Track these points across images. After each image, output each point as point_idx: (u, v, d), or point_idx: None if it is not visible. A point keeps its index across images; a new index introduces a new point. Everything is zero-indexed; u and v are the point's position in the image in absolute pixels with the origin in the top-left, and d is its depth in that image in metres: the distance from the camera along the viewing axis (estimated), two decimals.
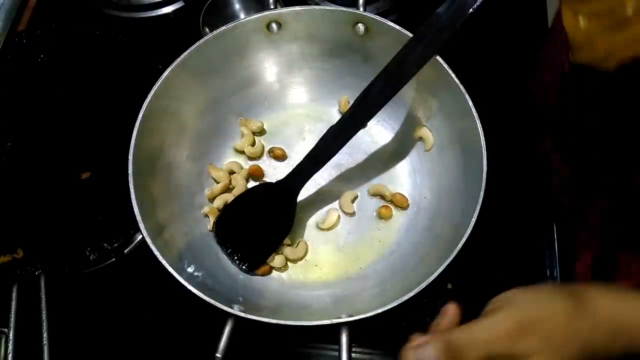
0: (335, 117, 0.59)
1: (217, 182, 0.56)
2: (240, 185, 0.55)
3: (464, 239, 0.43)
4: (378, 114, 0.48)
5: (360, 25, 0.53)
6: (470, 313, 0.53)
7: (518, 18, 0.69)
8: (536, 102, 0.60)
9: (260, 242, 0.52)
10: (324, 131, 0.50)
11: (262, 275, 0.52)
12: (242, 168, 0.57)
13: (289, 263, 0.53)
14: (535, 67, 0.61)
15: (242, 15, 0.68)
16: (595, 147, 0.51)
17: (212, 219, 0.53)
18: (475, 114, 0.48)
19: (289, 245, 0.54)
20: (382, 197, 0.56)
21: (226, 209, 0.53)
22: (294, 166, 0.51)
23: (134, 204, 0.46)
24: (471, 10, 0.43)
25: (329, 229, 0.55)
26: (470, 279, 0.54)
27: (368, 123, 0.56)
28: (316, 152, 0.50)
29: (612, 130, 0.48)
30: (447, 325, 0.34)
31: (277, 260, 0.52)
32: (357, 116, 0.49)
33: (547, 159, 0.59)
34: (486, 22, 0.68)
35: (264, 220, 0.53)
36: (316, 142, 0.50)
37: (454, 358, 0.31)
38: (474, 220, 0.44)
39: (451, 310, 0.35)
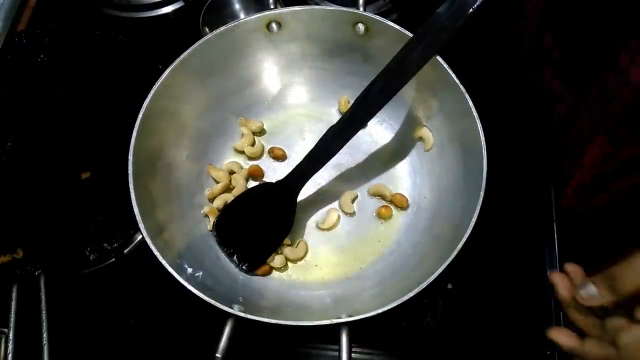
0: (335, 117, 0.59)
1: (217, 182, 0.56)
2: (240, 185, 0.55)
3: (464, 239, 0.43)
4: (378, 114, 0.48)
5: (360, 25, 0.53)
6: (470, 313, 0.53)
7: (518, 18, 0.69)
8: (527, 40, 0.60)
9: (260, 242, 0.52)
10: (324, 131, 0.50)
11: (262, 275, 0.52)
12: (242, 168, 0.57)
13: (289, 263, 0.53)
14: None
15: (241, 15, 0.68)
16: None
17: (212, 219, 0.53)
18: (476, 114, 0.48)
19: (289, 245, 0.54)
20: (382, 197, 0.56)
21: (226, 209, 0.53)
22: (294, 166, 0.51)
23: (133, 204, 0.46)
24: (471, 10, 0.43)
25: (329, 229, 0.55)
26: (470, 279, 0.54)
27: (368, 123, 0.57)
28: (316, 152, 0.50)
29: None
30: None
31: (277, 260, 0.52)
32: (357, 116, 0.49)
33: (550, 90, 0.58)
34: (486, 22, 0.68)
35: (263, 221, 0.53)
36: (316, 142, 0.50)
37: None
38: (474, 220, 0.44)
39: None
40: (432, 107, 0.54)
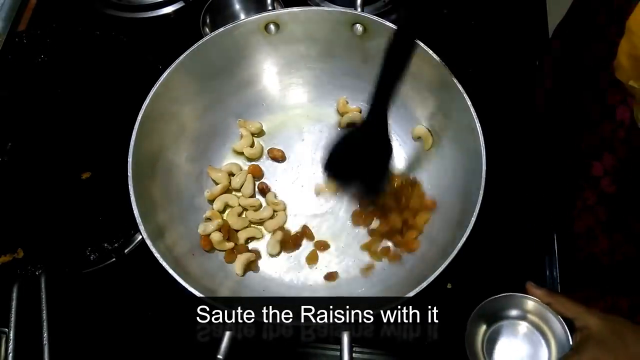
0: (333, 117, 0.59)
1: (217, 184, 0.56)
2: (248, 188, 0.55)
3: (463, 239, 0.44)
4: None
5: (358, 25, 0.53)
6: (470, 313, 0.53)
7: (518, 19, 0.69)
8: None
9: (372, 172, 0.50)
10: (323, 132, 0.49)
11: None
12: (241, 169, 0.57)
13: (288, 264, 0.53)
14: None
15: (242, 16, 0.68)
16: None
17: (213, 222, 0.53)
18: (474, 114, 0.48)
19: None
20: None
21: (330, 154, 0.48)
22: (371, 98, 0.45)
23: (134, 207, 0.46)
24: None
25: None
26: (470, 279, 0.54)
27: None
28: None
29: None
30: None
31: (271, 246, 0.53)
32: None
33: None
34: (485, 24, 0.68)
35: (367, 154, 0.49)
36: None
37: None
38: (473, 220, 0.44)
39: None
40: (432, 107, 0.54)
